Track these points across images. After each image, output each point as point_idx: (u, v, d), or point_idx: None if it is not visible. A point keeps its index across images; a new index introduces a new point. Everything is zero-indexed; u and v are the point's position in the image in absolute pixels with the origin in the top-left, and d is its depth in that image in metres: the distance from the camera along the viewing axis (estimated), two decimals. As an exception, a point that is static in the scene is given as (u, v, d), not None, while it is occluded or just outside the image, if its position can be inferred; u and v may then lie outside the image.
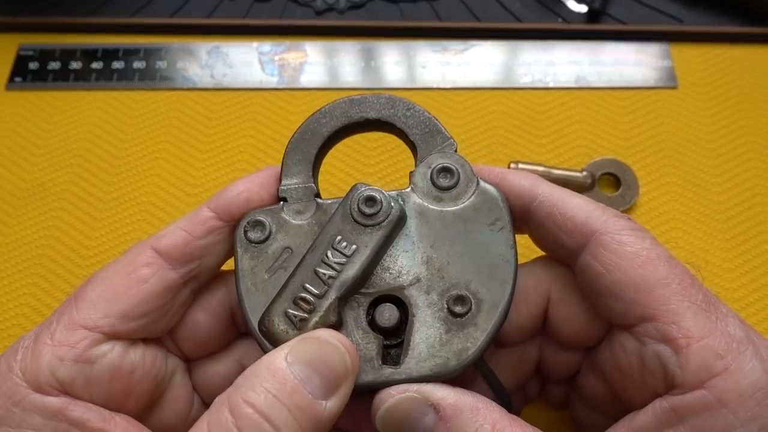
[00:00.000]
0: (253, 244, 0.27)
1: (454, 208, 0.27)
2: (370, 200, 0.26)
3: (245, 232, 0.27)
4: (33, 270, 0.40)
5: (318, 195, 0.28)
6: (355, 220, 0.26)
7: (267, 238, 0.27)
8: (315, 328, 0.25)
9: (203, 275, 0.28)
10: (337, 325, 0.25)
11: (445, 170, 0.27)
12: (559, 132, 0.44)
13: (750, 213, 0.41)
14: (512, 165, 0.41)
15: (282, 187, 0.27)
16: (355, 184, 0.26)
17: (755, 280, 0.39)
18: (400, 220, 0.26)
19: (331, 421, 0.23)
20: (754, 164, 0.42)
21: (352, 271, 0.25)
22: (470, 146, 0.44)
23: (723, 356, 0.22)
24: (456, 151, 0.28)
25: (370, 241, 0.26)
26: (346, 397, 0.23)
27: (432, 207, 0.27)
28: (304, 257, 0.26)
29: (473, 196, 0.27)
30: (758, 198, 0.41)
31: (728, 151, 0.43)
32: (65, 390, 0.24)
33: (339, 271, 0.25)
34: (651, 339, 0.24)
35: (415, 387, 0.24)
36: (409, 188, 0.27)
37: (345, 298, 0.25)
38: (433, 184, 0.27)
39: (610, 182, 0.42)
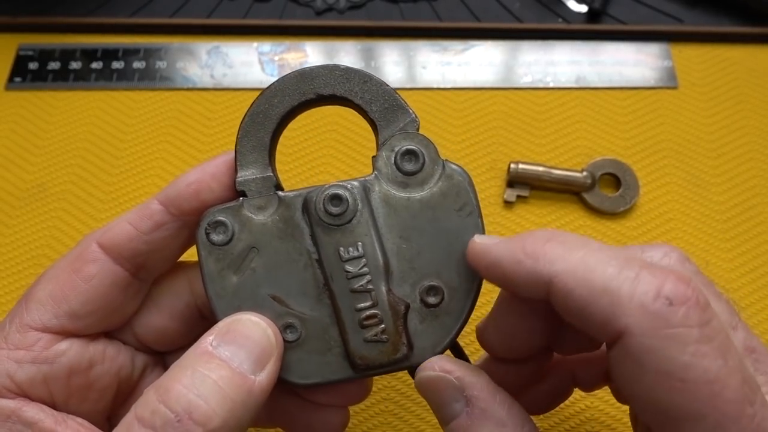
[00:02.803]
0: (217, 247, 0.25)
1: (421, 194, 0.26)
2: (336, 198, 0.25)
3: (207, 234, 0.25)
4: (33, 270, 0.40)
5: (278, 185, 0.26)
6: (337, 225, 0.25)
7: (230, 240, 0.25)
8: (398, 327, 0.25)
9: (154, 268, 0.27)
10: (408, 308, 0.25)
11: (409, 153, 0.26)
12: (559, 132, 0.44)
13: (750, 213, 0.41)
14: (512, 165, 0.41)
15: (239, 179, 0.26)
16: (311, 195, 0.25)
17: (755, 280, 0.39)
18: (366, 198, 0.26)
19: (263, 394, 0.23)
20: (754, 164, 0.42)
21: (377, 260, 0.25)
22: (470, 146, 0.44)
23: None
24: (418, 129, 0.26)
25: (363, 228, 0.25)
26: (275, 371, 0.24)
27: (398, 194, 0.26)
28: (331, 290, 0.25)
29: (440, 181, 0.26)
30: (758, 198, 0.41)
31: (728, 151, 0.43)
32: (23, 392, 0.24)
33: (369, 271, 0.25)
34: None
35: (458, 372, 0.24)
36: (373, 175, 0.26)
37: (391, 282, 0.25)
38: (398, 168, 0.26)
39: (610, 182, 0.42)
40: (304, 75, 0.26)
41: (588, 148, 0.43)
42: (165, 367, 0.29)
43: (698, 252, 0.40)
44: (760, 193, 0.41)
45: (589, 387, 0.29)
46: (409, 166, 0.26)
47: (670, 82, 0.46)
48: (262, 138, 0.26)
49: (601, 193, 0.41)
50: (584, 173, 0.41)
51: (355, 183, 0.26)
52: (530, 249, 0.22)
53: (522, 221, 0.41)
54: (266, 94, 0.27)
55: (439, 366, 0.24)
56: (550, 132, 0.44)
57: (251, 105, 0.27)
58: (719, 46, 0.47)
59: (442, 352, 0.25)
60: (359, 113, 0.27)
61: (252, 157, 0.26)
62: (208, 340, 0.23)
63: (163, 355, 0.29)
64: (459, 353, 0.27)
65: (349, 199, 0.25)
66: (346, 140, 0.44)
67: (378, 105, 0.26)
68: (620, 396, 0.28)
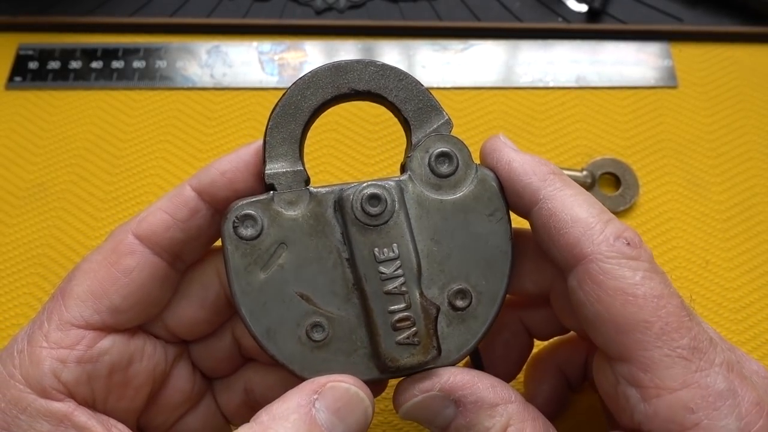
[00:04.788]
0: (245, 241, 0.25)
1: (454, 197, 0.26)
2: (374, 198, 0.25)
3: (235, 227, 0.25)
4: (33, 270, 0.40)
5: (308, 180, 0.26)
6: (374, 225, 0.25)
7: (259, 234, 0.25)
8: (429, 330, 0.25)
9: (188, 257, 0.27)
10: (438, 311, 0.25)
11: (444, 155, 0.26)
12: (559, 132, 0.44)
13: (750, 213, 0.41)
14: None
15: (268, 172, 0.25)
16: (345, 194, 0.25)
17: (755, 280, 0.39)
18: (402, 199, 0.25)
19: None
20: (754, 164, 0.42)
21: (411, 262, 0.25)
22: (470, 146, 0.43)
23: (695, 411, 0.22)
24: (452, 130, 0.26)
25: (399, 229, 0.25)
26: None
27: (431, 196, 0.25)
28: (363, 291, 0.25)
29: (472, 184, 0.26)
30: (758, 198, 0.41)
31: (728, 151, 0.43)
32: (69, 392, 0.24)
33: (403, 273, 0.25)
34: (624, 379, 0.23)
35: (438, 385, 0.24)
36: (407, 175, 0.26)
37: (422, 285, 0.25)
38: (432, 170, 0.26)
39: (610, 182, 0.42)
40: (338, 68, 0.26)
41: (588, 147, 0.43)
42: (190, 358, 0.29)
43: (698, 251, 0.40)
44: (760, 193, 0.41)
45: (543, 336, 0.31)
46: (443, 169, 0.26)
47: (670, 81, 0.46)
48: (293, 130, 0.26)
49: (601, 192, 0.41)
50: (584, 172, 0.41)
51: (392, 183, 0.25)
52: (538, 170, 0.26)
53: (522, 221, 0.41)
54: (299, 84, 0.26)
55: (418, 390, 0.25)
56: (550, 131, 0.44)
57: (282, 95, 0.26)
58: (719, 46, 0.47)
59: (467, 356, 0.25)
60: (392, 111, 0.27)
61: (282, 150, 0.26)
62: (312, 398, 0.23)
63: (187, 344, 0.29)
64: (477, 358, 0.27)
65: (388, 200, 0.25)
66: (346, 140, 0.44)
67: (412, 104, 0.26)
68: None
